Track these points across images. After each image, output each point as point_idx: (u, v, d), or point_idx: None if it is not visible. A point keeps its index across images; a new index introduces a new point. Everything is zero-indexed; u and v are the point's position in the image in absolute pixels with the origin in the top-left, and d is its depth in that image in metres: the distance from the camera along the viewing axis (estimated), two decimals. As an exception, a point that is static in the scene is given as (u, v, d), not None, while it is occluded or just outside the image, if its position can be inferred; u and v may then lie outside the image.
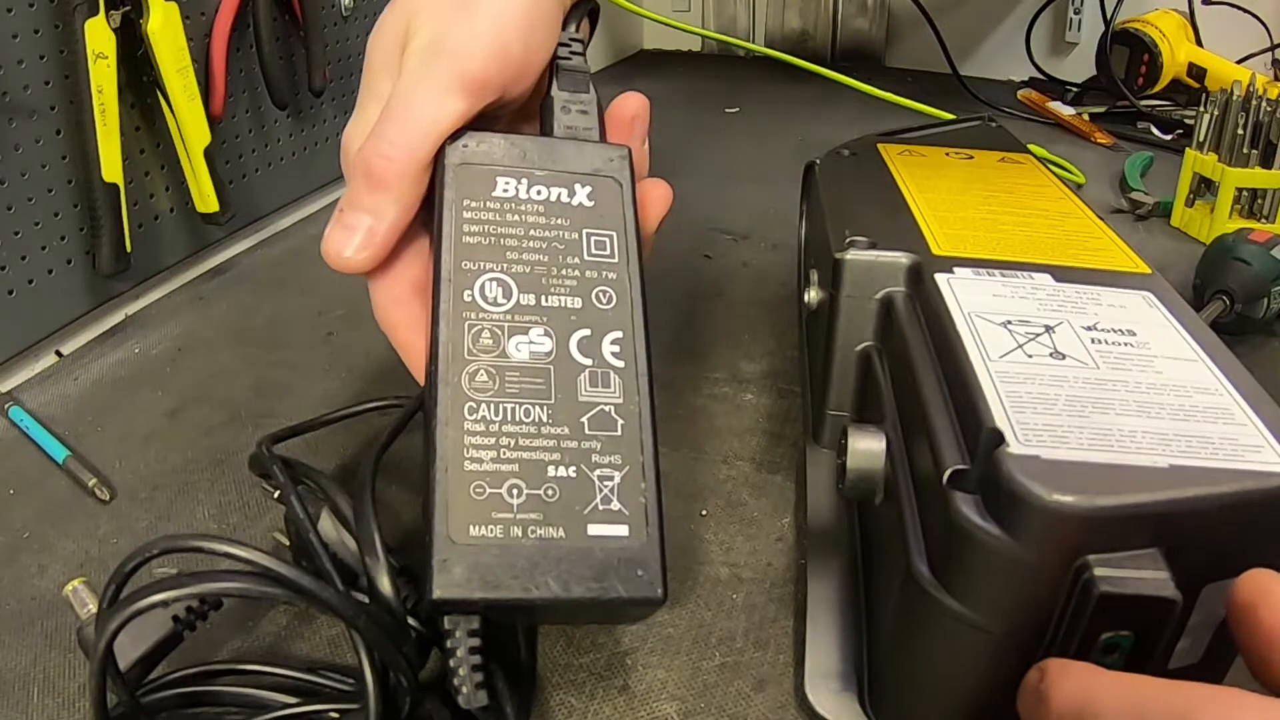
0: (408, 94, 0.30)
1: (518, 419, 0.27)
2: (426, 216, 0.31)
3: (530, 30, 0.32)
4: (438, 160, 0.30)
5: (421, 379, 0.29)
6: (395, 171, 0.29)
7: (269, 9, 0.60)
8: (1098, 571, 0.22)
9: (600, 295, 0.29)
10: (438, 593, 0.25)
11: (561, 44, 0.34)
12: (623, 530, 0.26)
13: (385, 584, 0.28)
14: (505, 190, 0.30)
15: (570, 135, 0.33)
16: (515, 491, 0.26)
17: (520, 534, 0.25)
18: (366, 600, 0.29)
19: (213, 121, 0.57)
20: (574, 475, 0.26)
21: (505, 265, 0.29)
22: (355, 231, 0.30)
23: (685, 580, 0.37)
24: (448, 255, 0.29)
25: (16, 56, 0.47)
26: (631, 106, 0.34)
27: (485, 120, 0.32)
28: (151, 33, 0.51)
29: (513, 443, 0.26)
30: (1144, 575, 0.22)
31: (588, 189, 0.31)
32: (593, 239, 0.30)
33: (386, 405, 0.42)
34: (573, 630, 0.34)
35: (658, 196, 0.33)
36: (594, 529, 0.26)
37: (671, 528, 0.27)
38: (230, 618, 0.35)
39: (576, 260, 0.30)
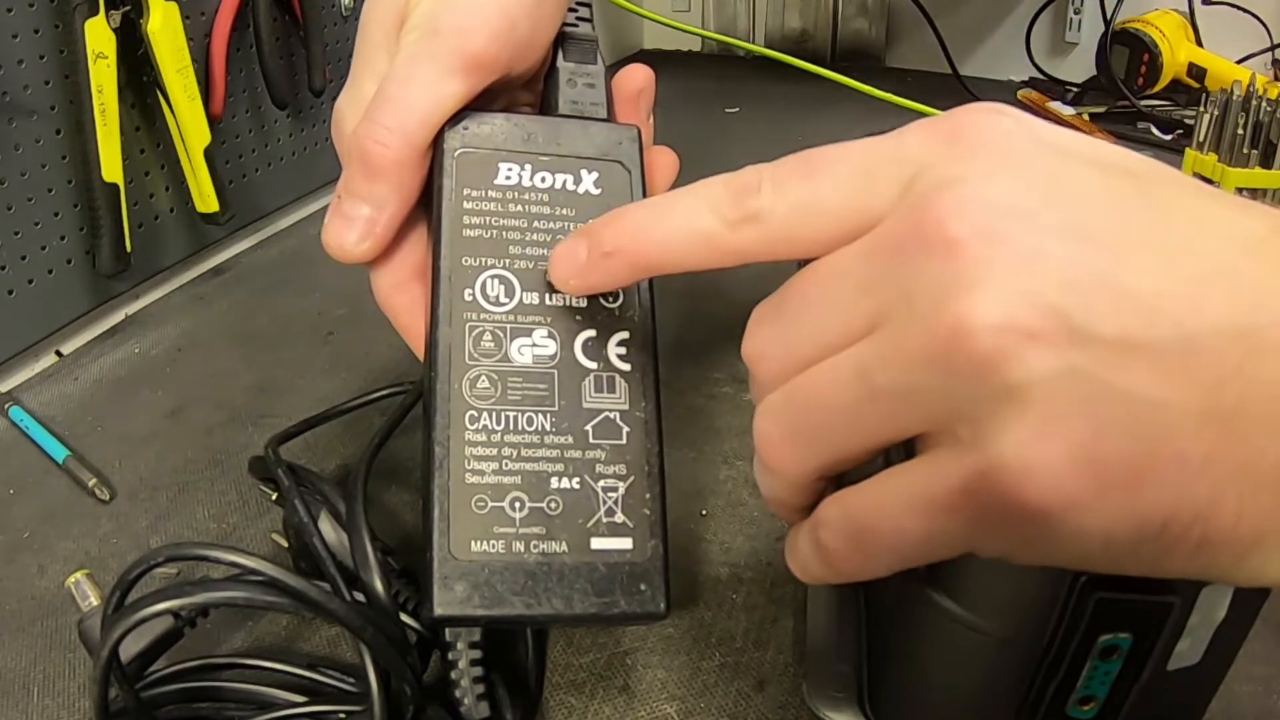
0: (405, 75, 0.28)
1: (520, 428, 0.26)
2: (427, 199, 0.30)
3: (538, 3, 0.30)
4: (436, 144, 0.29)
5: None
6: (392, 159, 0.28)
7: (269, 9, 0.60)
8: (1095, 574, 0.22)
9: (606, 292, 0.28)
10: (439, 610, 0.24)
11: (569, 9, 0.32)
12: (626, 544, 0.26)
13: (384, 597, 0.28)
14: (508, 178, 0.29)
15: (576, 112, 0.31)
16: (517, 505, 0.25)
17: (523, 549, 0.25)
18: (368, 603, 0.29)
19: (213, 121, 0.57)
20: (577, 487, 0.26)
21: (508, 260, 0.28)
22: (355, 221, 0.29)
23: (685, 580, 0.37)
24: (447, 250, 0.28)
25: (16, 56, 0.47)
26: (637, 80, 0.33)
27: (485, 95, 0.30)
28: (151, 33, 0.51)
29: (515, 453, 0.26)
30: (1142, 578, 0.22)
31: (594, 175, 0.29)
32: None
33: (397, 391, 0.41)
34: (573, 630, 0.34)
35: (664, 165, 0.32)
36: (597, 543, 0.25)
37: (672, 529, 0.27)
38: (230, 613, 0.35)
39: None
